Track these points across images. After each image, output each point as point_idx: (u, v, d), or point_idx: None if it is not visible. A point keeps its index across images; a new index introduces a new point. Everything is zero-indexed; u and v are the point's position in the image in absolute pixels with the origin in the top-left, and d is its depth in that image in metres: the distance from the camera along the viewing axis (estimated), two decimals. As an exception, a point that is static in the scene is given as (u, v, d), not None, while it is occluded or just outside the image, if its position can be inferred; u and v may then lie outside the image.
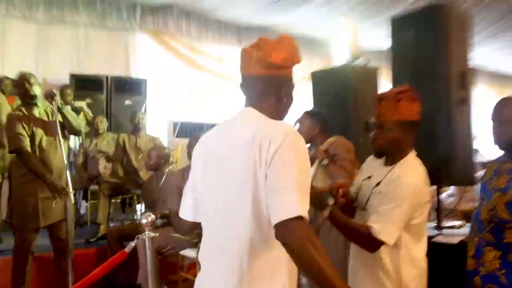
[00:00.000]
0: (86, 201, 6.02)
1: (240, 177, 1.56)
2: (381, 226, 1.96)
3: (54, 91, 3.90)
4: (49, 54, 7.24)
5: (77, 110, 6.22)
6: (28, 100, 3.91)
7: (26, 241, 3.89)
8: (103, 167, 5.68)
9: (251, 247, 1.55)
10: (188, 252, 4.05)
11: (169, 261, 4.39)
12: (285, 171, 1.48)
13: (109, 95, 7.20)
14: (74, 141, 6.28)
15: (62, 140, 3.88)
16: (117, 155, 5.60)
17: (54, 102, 3.84)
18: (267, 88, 1.70)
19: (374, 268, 2.08)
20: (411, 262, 2.05)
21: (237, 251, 1.57)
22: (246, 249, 1.55)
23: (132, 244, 2.63)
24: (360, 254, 2.11)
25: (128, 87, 7.30)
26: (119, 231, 4.59)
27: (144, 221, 2.62)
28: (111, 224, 5.51)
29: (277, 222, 1.45)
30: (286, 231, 1.44)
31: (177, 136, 7.23)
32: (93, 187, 5.72)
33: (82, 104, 6.52)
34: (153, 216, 2.64)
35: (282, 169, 1.48)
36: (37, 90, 3.92)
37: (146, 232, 2.60)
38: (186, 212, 1.81)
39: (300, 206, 1.43)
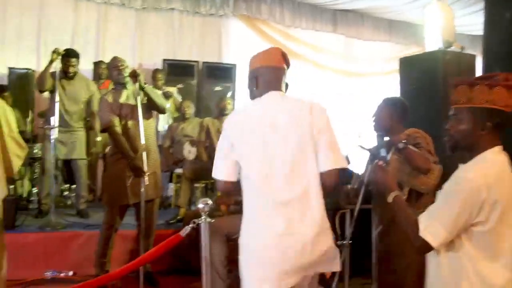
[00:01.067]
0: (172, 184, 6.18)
1: (303, 137, 2.12)
2: (426, 224, 1.73)
3: (138, 71, 3.99)
4: (144, 40, 7.54)
5: (166, 95, 6.39)
6: (119, 82, 4.04)
7: (113, 217, 4.05)
8: (188, 151, 5.77)
9: (319, 196, 2.14)
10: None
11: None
12: (332, 133, 2.16)
13: (199, 81, 7.34)
14: (162, 124, 6.46)
15: (143, 121, 3.93)
16: (201, 140, 5.66)
17: (137, 82, 3.93)
18: (283, 78, 2.30)
19: (432, 277, 1.86)
20: (479, 283, 1.70)
21: (315, 200, 2.13)
22: (318, 198, 2.13)
23: (188, 228, 2.62)
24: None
25: (218, 72, 7.39)
26: (195, 215, 4.63)
27: (201, 206, 2.59)
28: (193, 208, 5.61)
29: (330, 169, 2.12)
30: (334, 177, 2.13)
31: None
32: (178, 170, 5.85)
33: (172, 89, 6.68)
34: (210, 202, 2.60)
35: (330, 131, 2.16)
36: (127, 74, 4.04)
37: (203, 217, 2.57)
38: (230, 174, 2.15)
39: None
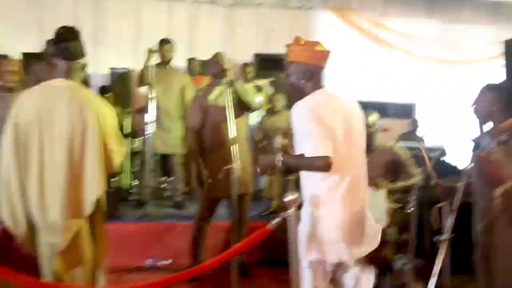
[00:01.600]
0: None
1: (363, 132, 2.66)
2: None
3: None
4: (235, 36, 7.63)
5: (258, 88, 6.42)
6: (221, 77, 4.08)
7: (205, 209, 4.14)
8: (279, 143, 5.76)
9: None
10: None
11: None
12: None
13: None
14: (254, 118, 6.50)
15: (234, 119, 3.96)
16: (289, 132, 5.63)
17: (225, 78, 3.97)
18: None
19: None
20: None
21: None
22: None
23: (276, 221, 2.58)
24: None
25: (307, 65, 7.29)
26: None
27: (289, 198, 2.54)
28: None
29: None
30: None
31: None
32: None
33: (263, 82, 6.70)
34: (297, 195, 2.55)
35: None
36: (228, 68, 4.10)
37: (291, 210, 2.53)
38: (331, 153, 2.36)
39: None
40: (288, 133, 5.66)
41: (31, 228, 2.66)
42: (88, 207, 2.64)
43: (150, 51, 5.14)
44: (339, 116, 2.48)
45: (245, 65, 6.74)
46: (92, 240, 2.76)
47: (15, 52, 6.67)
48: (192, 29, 7.62)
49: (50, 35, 7.09)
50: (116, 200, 4.88)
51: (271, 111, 6.22)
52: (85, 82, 2.81)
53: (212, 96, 4.02)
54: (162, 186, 6.12)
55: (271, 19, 7.74)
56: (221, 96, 4.00)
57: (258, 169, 2.79)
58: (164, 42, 5.42)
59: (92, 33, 7.33)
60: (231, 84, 3.91)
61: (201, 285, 4.00)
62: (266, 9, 7.72)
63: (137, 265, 4.34)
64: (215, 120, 4.03)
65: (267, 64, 7.26)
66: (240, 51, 7.52)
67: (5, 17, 7.08)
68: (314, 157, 2.36)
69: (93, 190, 2.63)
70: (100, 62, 7.29)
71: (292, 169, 2.72)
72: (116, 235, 4.35)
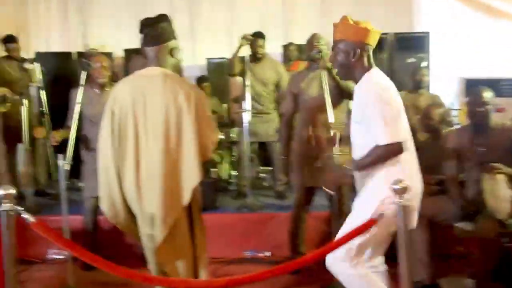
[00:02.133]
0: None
1: None
2: None
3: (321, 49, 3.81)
4: (332, 17, 7.28)
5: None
6: (313, 60, 3.91)
7: (301, 199, 3.99)
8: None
9: None
10: (463, 225, 3.52)
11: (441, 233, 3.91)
12: None
13: (391, 54, 6.90)
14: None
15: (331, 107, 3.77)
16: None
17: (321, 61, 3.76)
18: None
19: None
20: None
21: None
22: None
23: (379, 212, 2.38)
24: None
25: (410, 43, 6.84)
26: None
27: (394, 187, 2.32)
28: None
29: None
30: None
31: (466, 94, 6.47)
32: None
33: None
34: (405, 183, 2.31)
35: None
36: (325, 51, 3.89)
37: (397, 200, 2.30)
38: (404, 136, 2.47)
39: None
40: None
41: (133, 219, 2.66)
42: (186, 196, 2.58)
43: (242, 41, 5.04)
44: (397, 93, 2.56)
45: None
46: (191, 231, 2.71)
47: (119, 49, 7.02)
48: (287, 14, 7.46)
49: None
50: (215, 191, 4.87)
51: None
52: (177, 69, 2.71)
53: (304, 83, 3.84)
54: (262, 175, 6.06)
55: (368, -1, 7.35)
56: (316, 82, 3.82)
57: (329, 189, 2.77)
58: (256, 36, 5.25)
59: (188, 25, 7.45)
60: (327, 68, 3.68)
61: (302, 278, 3.85)
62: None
63: (236, 257, 4.30)
64: (308, 107, 3.85)
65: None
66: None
67: (107, 16, 7.39)
68: (388, 145, 2.39)
69: (191, 178, 2.56)
70: (197, 53, 7.41)
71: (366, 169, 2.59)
72: (215, 226, 4.35)
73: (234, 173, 5.88)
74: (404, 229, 2.32)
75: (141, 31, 2.68)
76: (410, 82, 5.46)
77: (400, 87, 6.15)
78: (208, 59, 7.14)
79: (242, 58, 5.09)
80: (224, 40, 7.32)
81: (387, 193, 2.34)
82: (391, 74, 6.70)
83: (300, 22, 7.33)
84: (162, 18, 2.70)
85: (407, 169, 2.51)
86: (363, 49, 2.54)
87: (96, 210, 3.98)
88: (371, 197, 2.54)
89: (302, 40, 4.24)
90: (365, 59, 2.56)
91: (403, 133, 2.46)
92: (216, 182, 5.11)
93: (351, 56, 2.53)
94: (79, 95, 3.84)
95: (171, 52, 2.68)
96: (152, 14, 7.28)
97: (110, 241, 4.30)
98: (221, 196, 5.13)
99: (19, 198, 4.93)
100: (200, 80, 6.42)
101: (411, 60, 6.80)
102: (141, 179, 2.55)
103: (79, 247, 2.26)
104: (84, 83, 3.88)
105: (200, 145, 2.57)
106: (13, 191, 2.21)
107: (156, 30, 2.65)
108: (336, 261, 2.57)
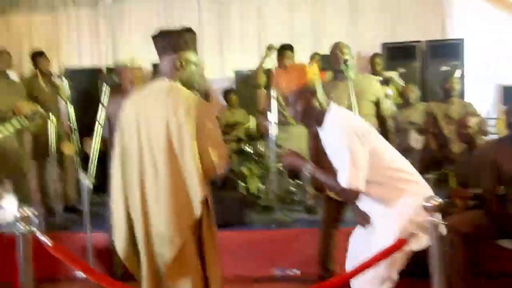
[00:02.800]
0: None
1: None
2: None
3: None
4: (360, 26, 7.23)
5: (386, 81, 5.98)
6: (338, 72, 3.82)
7: (328, 213, 3.86)
8: (415, 140, 5.29)
9: None
10: (506, 243, 3.33)
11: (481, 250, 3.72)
12: None
13: (423, 62, 6.72)
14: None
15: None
16: (427, 126, 5.12)
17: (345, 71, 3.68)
18: None
19: None
20: None
21: None
22: None
23: (407, 230, 2.24)
24: None
25: (443, 51, 6.65)
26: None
27: (428, 205, 2.17)
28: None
29: None
30: None
31: (505, 102, 6.24)
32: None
33: (392, 74, 6.23)
34: (439, 200, 2.17)
35: None
36: (349, 63, 3.79)
37: (428, 217, 2.15)
38: (363, 186, 2.42)
39: None
40: (424, 129, 5.21)
41: (134, 242, 2.54)
42: (193, 213, 2.47)
43: (267, 52, 4.96)
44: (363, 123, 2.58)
45: (374, 56, 6.33)
46: (200, 250, 2.59)
47: (148, 63, 7.05)
48: (315, 23, 7.37)
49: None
50: (243, 206, 4.76)
51: (403, 105, 5.75)
52: (189, 82, 2.59)
53: (332, 94, 3.73)
54: (292, 189, 5.93)
55: (399, 3, 7.18)
56: (344, 92, 3.72)
57: (282, 164, 2.71)
58: (285, 48, 5.14)
59: (217, 38, 7.45)
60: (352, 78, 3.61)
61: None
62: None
63: (264, 275, 4.19)
64: None
65: (397, 54, 6.78)
66: (367, 42, 7.12)
67: (137, 31, 7.46)
68: (345, 189, 2.37)
69: (195, 196, 2.46)
70: (225, 65, 7.40)
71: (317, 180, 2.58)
72: (242, 242, 4.29)
73: (262, 187, 5.77)
74: (437, 248, 2.18)
75: (154, 43, 2.62)
76: (441, 91, 5.28)
77: (433, 97, 6.09)
78: (236, 71, 7.09)
79: (268, 70, 5.00)
80: (252, 52, 7.28)
81: (412, 212, 2.33)
82: (423, 83, 6.55)
83: (329, 32, 7.21)
84: (172, 30, 2.62)
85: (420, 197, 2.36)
86: (309, 91, 2.49)
87: None
88: (396, 217, 2.44)
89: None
90: (317, 99, 2.51)
91: (362, 184, 2.38)
92: (243, 197, 4.98)
93: (304, 103, 2.50)
94: (100, 110, 3.82)
95: (182, 64, 2.57)
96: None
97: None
98: (249, 211, 5.02)
99: (49, 214, 5.07)
100: (227, 93, 6.39)
101: (444, 68, 6.60)
102: (147, 198, 2.46)
103: (93, 269, 2.20)
104: (113, 97, 3.86)
105: (202, 162, 2.46)
106: (29, 213, 2.17)
107: (163, 41, 2.57)
108: (364, 285, 2.44)
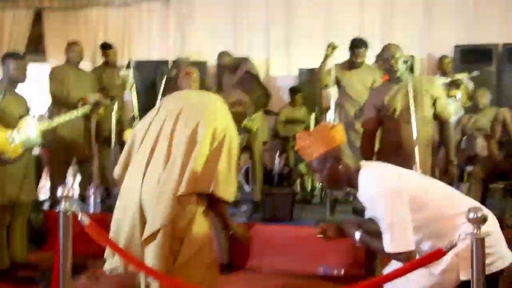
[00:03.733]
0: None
1: None
2: None
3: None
4: (434, 27, 6.93)
5: (456, 83, 5.71)
6: (392, 74, 3.75)
7: None
8: (481, 146, 5.01)
9: None
10: None
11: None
12: None
13: (498, 66, 6.34)
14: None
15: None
16: (494, 133, 4.84)
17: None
18: None
19: None
20: None
21: None
22: None
23: (454, 242, 2.05)
24: None
25: (522, 55, 6.24)
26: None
27: (470, 215, 2.00)
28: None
29: None
30: None
31: None
32: (470, 168, 5.13)
33: (462, 76, 5.93)
34: (482, 212, 2.00)
35: None
36: (400, 65, 3.70)
37: (472, 230, 1.99)
38: (413, 245, 2.19)
39: None
40: (491, 135, 4.91)
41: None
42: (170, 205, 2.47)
43: (329, 51, 4.88)
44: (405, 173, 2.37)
45: (442, 57, 6.10)
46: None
47: (213, 58, 7.16)
48: (385, 23, 7.14)
49: (245, 40, 7.41)
50: (293, 203, 4.70)
51: (472, 109, 5.46)
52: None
53: (388, 96, 3.67)
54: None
55: (478, 2, 6.80)
56: (400, 95, 3.64)
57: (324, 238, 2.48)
58: (356, 44, 5.08)
59: (284, 36, 7.41)
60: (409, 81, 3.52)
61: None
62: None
63: (308, 272, 4.12)
64: (391, 121, 3.69)
65: (471, 57, 6.43)
66: (440, 44, 6.82)
67: (205, 26, 7.58)
68: (395, 253, 2.14)
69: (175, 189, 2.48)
70: (291, 63, 7.36)
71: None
72: (290, 238, 4.27)
73: (318, 185, 5.71)
74: (481, 267, 2.01)
75: None
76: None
77: (508, 103, 5.72)
78: (300, 69, 7.04)
79: (330, 70, 4.93)
80: (319, 51, 7.17)
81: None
82: (499, 88, 6.17)
83: (399, 33, 6.96)
84: None
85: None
86: (339, 152, 2.29)
87: None
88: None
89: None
90: (348, 161, 2.29)
91: (412, 244, 2.15)
92: (294, 194, 4.93)
93: (334, 167, 2.28)
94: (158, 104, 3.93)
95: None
96: (248, 24, 7.49)
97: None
98: (300, 209, 4.97)
99: (107, 197, 5.30)
100: (291, 90, 6.41)
101: (522, 73, 6.20)
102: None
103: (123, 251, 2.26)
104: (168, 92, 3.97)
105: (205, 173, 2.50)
106: (72, 192, 2.26)
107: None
108: None
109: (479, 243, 1.97)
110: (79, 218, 2.19)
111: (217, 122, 2.59)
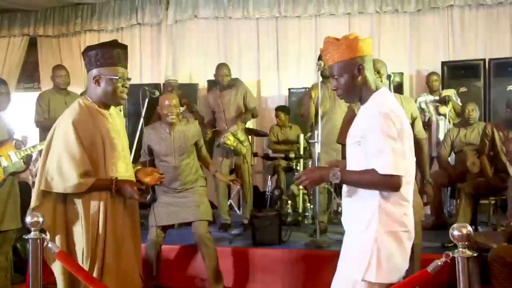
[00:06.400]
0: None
1: None
2: None
3: None
4: (421, 45, 7.01)
5: (443, 100, 5.73)
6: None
7: None
8: (472, 162, 4.98)
9: None
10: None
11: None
12: None
13: (486, 81, 6.36)
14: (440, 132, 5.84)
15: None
16: (483, 148, 4.81)
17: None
18: None
19: None
20: None
21: None
22: None
23: (438, 263, 1.99)
24: None
25: (509, 69, 6.25)
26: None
27: (454, 232, 1.95)
28: (480, 230, 4.79)
29: None
30: None
31: None
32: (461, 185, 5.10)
33: (449, 92, 5.95)
34: (468, 229, 1.94)
35: None
36: (384, 81, 3.69)
37: (458, 249, 1.94)
38: (405, 172, 2.15)
39: None
40: (481, 150, 4.89)
41: None
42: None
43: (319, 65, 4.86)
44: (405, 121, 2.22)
45: (430, 74, 6.17)
46: None
47: (204, 80, 7.20)
48: (374, 43, 7.18)
49: (235, 60, 7.43)
50: (279, 225, 4.61)
51: (460, 124, 5.45)
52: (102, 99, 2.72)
53: None
54: (339, 210, 5.78)
55: (463, 21, 6.90)
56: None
57: (303, 183, 2.25)
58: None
59: (273, 57, 7.49)
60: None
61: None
62: (457, 11, 6.90)
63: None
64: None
65: (458, 72, 6.49)
66: (427, 61, 6.92)
67: (195, 50, 7.66)
68: (387, 175, 2.05)
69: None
70: (281, 83, 7.42)
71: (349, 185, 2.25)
72: (279, 261, 4.26)
73: (309, 206, 5.67)
74: (466, 280, 1.95)
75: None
76: (507, 112, 4.88)
77: (496, 118, 5.71)
78: (290, 89, 7.09)
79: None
80: (308, 70, 7.24)
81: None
82: (486, 103, 6.19)
83: (387, 49, 7.03)
84: (94, 45, 2.70)
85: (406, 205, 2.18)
86: (363, 63, 2.19)
87: (160, 241, 4.02)
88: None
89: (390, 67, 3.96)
90: (370, 76, 2.22)
91: (407, 168, 2.12)
92: (280, 215, 4.82)
93: (355, 75, 2.20)
94: (141, 130, 3.96)
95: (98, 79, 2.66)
96: (239, 47, 7.49)
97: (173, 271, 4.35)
98: (291, 231, 4.92)
99: None
100: (278, 110, 6.41)
101: (510, 88, 6.21)
102: None
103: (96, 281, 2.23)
104: (154, 120, 4.01)
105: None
106: (41, 219, 2.24)
107: (84, 57, 2.67)
108: None
109: (464, 262, 1.93)
110: (47, 246, 2.17)
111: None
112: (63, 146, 2.51)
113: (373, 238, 2.12)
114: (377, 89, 2.23)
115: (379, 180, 2.07)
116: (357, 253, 2.17)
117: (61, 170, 2.49)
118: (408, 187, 2.18)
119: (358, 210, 2.20)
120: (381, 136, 2.07)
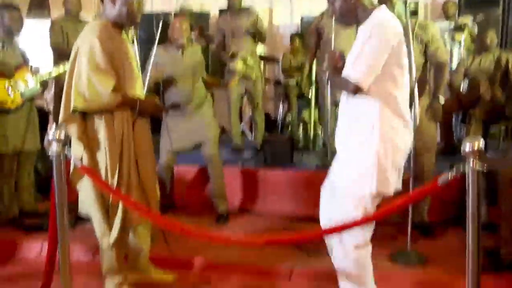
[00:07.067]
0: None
1: None
2: None
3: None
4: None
5: (460, 27, 5.61)
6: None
7: None
8: (485, 89, 4.96)
9: None
10: None
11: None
12: None
13: (506, 9, 6.18)
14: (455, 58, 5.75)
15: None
16: (496, 76, 4.77)
17: None
18: None
19: None
20: None
21: None
22: None
23: (449, 175, 2.01)
24: None
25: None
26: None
27: (467, 149, 1.97)
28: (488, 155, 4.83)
29: None
30: None
31: None
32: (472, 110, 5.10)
33: (466, 20, 5.81)
34: (480, 142, 1.96)
35: None
36: (400, 8, 3.61)
37: (470, 161, 1.95)
38: (367, 85, 2.25)
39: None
40: (494, 77, 4.85)
41: None
42: None
43: None
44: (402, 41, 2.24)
45: (446, 1, 5.99)
46: None
47: (215, 9, 7.07)
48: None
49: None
50: (291, 148, 4.75)
51: (476, 51, 5.36)
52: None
53: None
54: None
55: None
56: None
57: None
58: None
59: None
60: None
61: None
62: None
63: (308, 214, 4.17)
64: None
65: (476, 1, 6.28)
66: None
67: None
68: (349, 80, 2.19)
69: None
70: (294, 11, 7.29)
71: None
72: (290, 182, 4.31)
73: (320, 133, 5.73)
74: (473, 198, 1.92)
75: None
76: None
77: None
78: (302, 17, 7.01)
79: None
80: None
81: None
82: (504, 32, 6.06)
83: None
84: None
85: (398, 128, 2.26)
86: None
87: (172, 164, 4.14)
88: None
89: None
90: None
91: (367, 83, 2.18)
92: (292, 140, 4.94)
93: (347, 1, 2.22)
94: (153, 54, 3.94)
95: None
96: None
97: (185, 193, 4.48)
98: (301, 155, 4.99)
99: None
100: (292, 37, 6.38)
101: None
102: None
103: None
104: (165, 43, 3.99)
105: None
106: (63, 133, 2.30)
107: None
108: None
109: (475, 176, 1.91)
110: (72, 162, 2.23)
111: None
112: (92, 61, 2.50)
113: (375, 151, 2.21)
114: (374, 8, 2.23)
115: (344, 80, 2.22)
116: (362, 168, 2.26)
117: (92, 84, 2.49)
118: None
119: (356, 122, 2.28)
120: (363, 46, 2.16)
